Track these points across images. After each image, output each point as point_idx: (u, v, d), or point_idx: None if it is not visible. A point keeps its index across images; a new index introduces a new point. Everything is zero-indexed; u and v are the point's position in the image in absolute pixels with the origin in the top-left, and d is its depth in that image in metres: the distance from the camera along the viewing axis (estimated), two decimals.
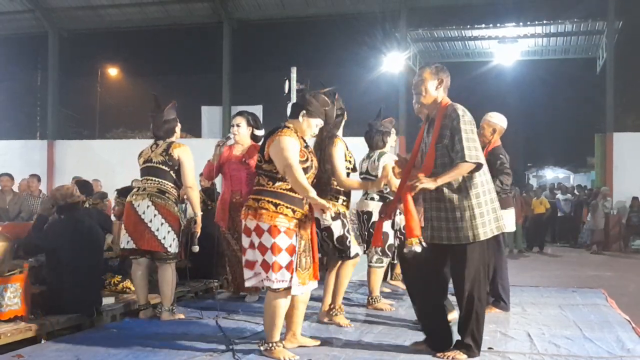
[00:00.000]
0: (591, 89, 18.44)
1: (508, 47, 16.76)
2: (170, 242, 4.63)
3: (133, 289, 5.26)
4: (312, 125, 3.73)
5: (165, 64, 21.07)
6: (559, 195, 16.58)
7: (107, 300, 4.83)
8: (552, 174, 23.33)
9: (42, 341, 4.04)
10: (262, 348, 3.66)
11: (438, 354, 3.64)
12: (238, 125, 5.50)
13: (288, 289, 3.57)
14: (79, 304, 4.37)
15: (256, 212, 3.54)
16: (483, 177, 3.63)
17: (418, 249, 3.53)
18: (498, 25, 15.67)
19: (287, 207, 3.55)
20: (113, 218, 6.25)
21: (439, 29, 16.07)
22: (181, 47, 20.76)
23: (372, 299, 5.30)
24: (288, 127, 3.66)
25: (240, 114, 5.65)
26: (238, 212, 5.41)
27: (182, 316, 4.80)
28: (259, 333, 4.30)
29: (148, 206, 4.59)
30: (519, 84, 20.52)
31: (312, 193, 3.45)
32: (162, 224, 4.61)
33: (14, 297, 3.99)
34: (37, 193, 9.22)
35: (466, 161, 3.50)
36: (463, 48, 17.37)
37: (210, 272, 6.08)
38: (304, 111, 3.69)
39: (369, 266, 5.26)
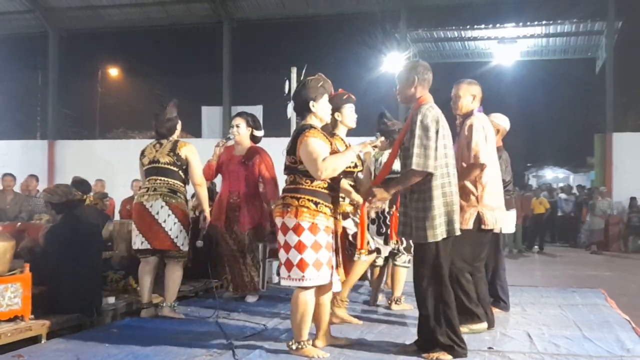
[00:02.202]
0: (591, 89, 18.46)
1: (508, 47, 16.77)
2: (182, 240, 4.72)
3: (135, 287, 5.27)
4: (325, 106, 3.79)
5: (165, 64, 21.09)
6: (561, 195, 16.60)
7: (108, 300, 4.83)
8: (551, 174, 23.33)
9: (43, 341, 4.04)
10: (293, 347, 3.66)
11: (423, 355, 3.65)
12: (237, 126, 5.53)
13: (322, 285, 3.64)
14: (79, 303, 4.37)
15: (297, 210, 3.57)
16: (442, 180, 3.63)
17: (364, 258, 4.38)
18: (498, 25, 15.68)
19: (325, 206, 3.61)
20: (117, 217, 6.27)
21: (439, 29, 16.07)
22: (181, 47, 20.79)
23: (396, 298, 5.29)
24: (313, 127, 3.69)
25: (239, 114, 5.68)
26: (235, 212, 5.45)
27: (182, 316, 4.81)
28: (259, 333, 4.31)
29: (162, 206, 4.64)
30: (518, 84, 20.53)
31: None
32: (174, 223, 4.67)
33: (14, 297, 3.98)
34: (35, 193, 9.23)
35: (413, 169, 3.55)
36: (463, 48, 17.38)
37: (210, 272, 6.07)
38: (311, 101, 3.73)
39: (395, 265, 5.23)
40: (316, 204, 3.58)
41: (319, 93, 3.74)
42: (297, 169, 3.66)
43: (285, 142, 7.99)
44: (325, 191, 3.64)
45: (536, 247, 14.54)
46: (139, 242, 4.73)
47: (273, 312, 5.06)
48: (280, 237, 3.65)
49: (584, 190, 17.10)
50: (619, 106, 16.22)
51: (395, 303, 5.25)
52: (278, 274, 6.95)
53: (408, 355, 3.73)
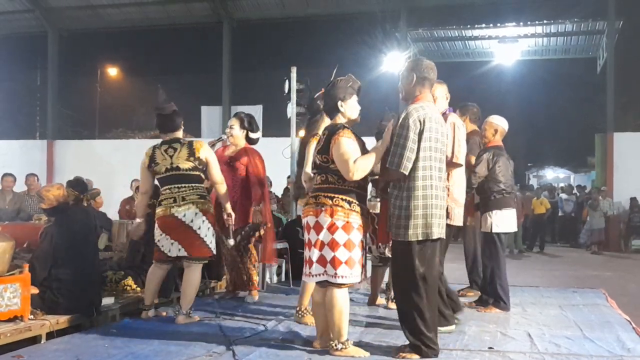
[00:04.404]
0: (591, 88, 18.44)
1: (508, 46, 16.76)
2: (213, 242, 4.68)
3: (134, 287, 5.25)
4: (354, 106, 3.82)
5: (165, 63, 21.05)
6: (562, 195, 16.60)
7: (107, 300, 4.81)
8: (552, 174, 23.31)
9: (42, 341, 4.03)
10: (337, 347, 3.63)
11: (395, 355, 3.65)
12: (231, 127, 5.50)
13: (354, 283, 3.67)
14: (79, 304, 4.36)
15: (332, 209, 3.60)
16: (423, 182, 3.60)
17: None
18: (498, 25, 15.67)
19: (358, 205, 3.65)
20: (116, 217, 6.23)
21: (439, 29, 16.07)
22: (181, 47, 20.76)
23: (393, 297, 5.27)
24: (345, 127, 3.72)
25: (235, 115, 5.67)
26: (222, 213, 5.35)
27: (197, 319, 4.69)
28: (259, 333, 4.30)
29: (196, 214, 4.54)
30: (519, 84, 20.50)
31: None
32: (208, 228, 4.61)
33: (13, 297, 3.98)
34: (34, 192, 9.21)
35: (387, 167, 3.59)
36: (463, 48, 17.37)
37: (210, 272, 6.07)
38: (339, 101, 3.76)
39: (373, 266, 5.24)
40: (349, 203, 3.62)
41: (348, 93, 3.79)
42: (329, 168, 3.68)
43: (285, 142, 7.99)
44: (357, 190, 3.69)
45: (537, 247, 14.53)
46: (175, 249, 4.57)
47: (273, 313, 5.05)
48: (312, 235, 3.66)
49: (584, 190, 17.08)
50: (619, 106, 16.21)
51: (392, 302, 5.25)
52: (278, 274, 7.03)
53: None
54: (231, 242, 4.94)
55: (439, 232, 3.66)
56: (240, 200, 5.44)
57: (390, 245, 3.87)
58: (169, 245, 4.59)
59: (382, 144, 3.76)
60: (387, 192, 3.80)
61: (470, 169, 5.17)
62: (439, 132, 3.68)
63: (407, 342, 3.68)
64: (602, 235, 13.98)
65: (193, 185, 4.60)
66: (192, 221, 4.54)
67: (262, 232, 5.47)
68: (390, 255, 5.13)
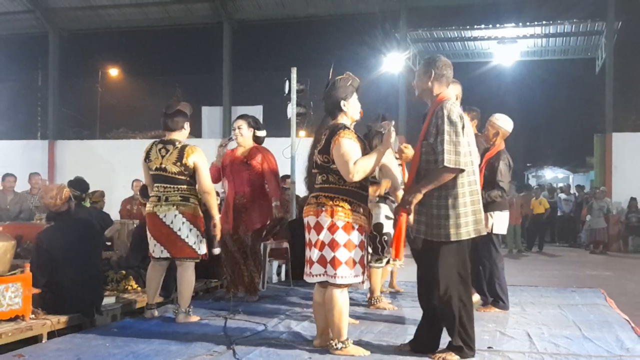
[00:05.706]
0: (590, 89, 18.47)
1: (507, 47, 16.77)
2: (199, 244, 4.70)
3: (135, 287, 5.27)
4: (355, 105, 3.82)
5: (165, 64, 21.10)
6: (561, 195, 16.61)
7: (108, 300, 4.83)
8: (551, 174, 23.33)
9: (43, 341, 4.05)
10: (337, 347, 3.64)
11: (431, 356, 3.62)
12: (240, 128, 5.60)
13: (356, 284, 3.69)
14: (80, 303, 4.38)
15: (332, 209, 3.60)
16: (468, 178, 3.55)
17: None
18: (497, 25, 15.68)
19: (359, 205, 3.65)
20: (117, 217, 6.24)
21: (439, 30, 16.07)
22: (181, 47, 20.80)
23: (373, 299, 5.31)
24: (347, 127, 3.72)
25: (240, 117, 5.77)
26: (241, 213, 5.44)
27: (197, 318, 4.73)
28: (260, 333, 4.32)
29: (175, 215, 4.59)
30: (518, 85, 20.54)
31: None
32: (190, 229, 4.64)
33: (15, 297, 3.99)
34: (36, 191, 9.23)
35: (445, 166, 3.45)
36: (463, 48, 17.38)
37: (210, 272, 6.09)
38: (342, 101, 3.76)
39: (369, 266, 5.25)
40: (350, 203, 3.63)
41: (349, 92, 3.79)
42: (330, 168, 3.68)
43: (285, 142, 8.02)
44: (359, 190, 3.68)
45: (536, 247, 14.54)
46: (158, 250, 4.68)
47: (273, 312, 5.07)
48: (313, 235, 3.67)
49: (583, 190, 17.10)
50: (618, 106, 16.20)
51: (372, 304, 5.29)
52: (278, 273, 7.05)
53: (405, 355, 3.74)
54: (216, 250, 4.94)
55: (484, 227, 3.67)
56: (258, 199, 5.52)
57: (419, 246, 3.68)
58: (152, 246, 4.72)
59: (383, 145, 3.73)
60: (405, 204, 3.61)
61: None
62: (469, 128, 3.63)
63: (451, 343, 3.60)
64: (602, 235, 13.95)
65: (179, 187, 4.63)
66: (172, 222, 4.60)
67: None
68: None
